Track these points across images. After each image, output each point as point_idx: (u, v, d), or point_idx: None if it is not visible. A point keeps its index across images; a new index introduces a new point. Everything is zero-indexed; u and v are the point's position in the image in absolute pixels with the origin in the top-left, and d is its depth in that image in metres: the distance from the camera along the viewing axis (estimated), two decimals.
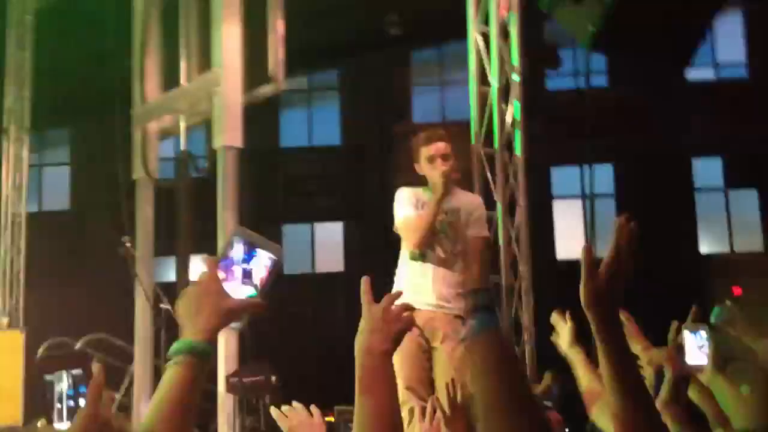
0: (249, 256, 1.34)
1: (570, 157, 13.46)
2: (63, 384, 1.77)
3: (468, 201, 4.20)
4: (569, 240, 13.93)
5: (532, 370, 4.65)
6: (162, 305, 5.91)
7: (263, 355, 5.33)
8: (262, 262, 1.34)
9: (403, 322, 1.56)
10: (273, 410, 2.00)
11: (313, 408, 1.97)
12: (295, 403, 1.99)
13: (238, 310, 1.31)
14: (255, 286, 1.33)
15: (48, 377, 1.81)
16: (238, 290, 1.32)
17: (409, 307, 1.59)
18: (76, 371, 1.78)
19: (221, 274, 1.31)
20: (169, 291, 6.39)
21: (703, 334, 2.15)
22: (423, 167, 4.06)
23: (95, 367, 1.43)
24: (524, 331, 4.70)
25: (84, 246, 12.93)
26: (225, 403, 5.05)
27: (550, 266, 12.48)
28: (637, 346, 2.17)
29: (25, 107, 8.15)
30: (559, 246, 13.87)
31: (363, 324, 1.55)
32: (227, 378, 4.86)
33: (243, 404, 5.10)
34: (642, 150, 13.01)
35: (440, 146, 4.01)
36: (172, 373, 1.24)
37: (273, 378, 5.03)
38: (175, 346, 1.27)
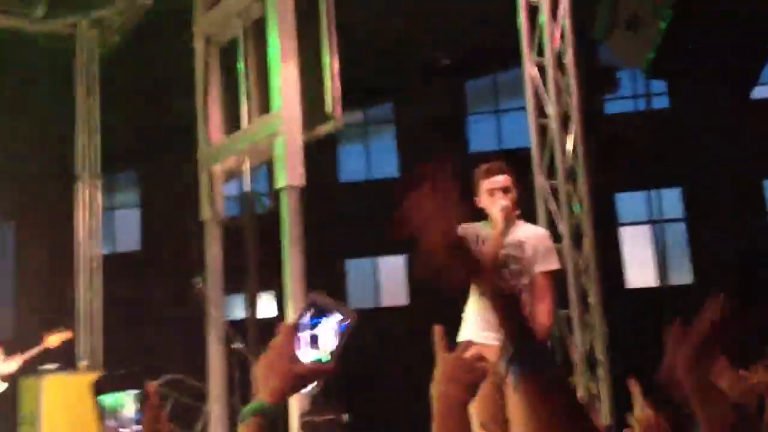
0: (316, 321, 1.38)
1: (635, 182, 13.21)
2: (127, 407, 1.84)
3: (533, 234, 4.12)
4: (639, 267, 13.61)
5: (610, 406, 4.54)
6: (234, 344, 5.99)
7: (331, 392, 5.35)
8: (330, 326, 1.38)
9: (477, 373, 1.57)
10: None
11: None
12: None
13: (310, 376, 1.37)
14: (323, 351, 1.37)
15: (104, 401, 1.88)
16: (306, 355, 1.36)
17: (482, 357, 1.60)
18: (134, 391, 1.86)
19: (295, 340, 1.36)
20: (239, 329, 6.48)
21: None
22: (483, 200, 4.02)
23: (150, 387, 1.49)
24: (599, 366, 4.59)
25: (156, 287, 13.23)
26: None
27: (620, 295, 12.21)
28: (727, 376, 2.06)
29: (96, 153, 8.44)
30: (628, 274, 13.56)
31: (437, 373, 1.57)
32: (300, 417, 4.89)
33: None
34: (710, 172, 12.68)
35: (500, 179, 3.97)
36: (241, 430, 1.32)
37: (344, 416, 5.05)
38: (247, 407, 1.34)
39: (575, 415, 1.16)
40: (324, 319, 1.37)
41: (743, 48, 4.09)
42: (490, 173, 3.99)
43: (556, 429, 1.13)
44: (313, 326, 1.37)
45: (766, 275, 13.13)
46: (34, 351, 6.80)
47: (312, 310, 1.38)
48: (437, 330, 1.61)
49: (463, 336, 3.96)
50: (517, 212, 4.00)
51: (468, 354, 1.57)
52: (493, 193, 3.96)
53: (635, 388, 2.30)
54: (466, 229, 4.04)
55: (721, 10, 4.00)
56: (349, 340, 1.37)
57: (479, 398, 3.83)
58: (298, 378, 1.35)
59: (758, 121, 12.57)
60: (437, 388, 1.54)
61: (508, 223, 3.92)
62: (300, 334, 1.37)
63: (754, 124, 12.57)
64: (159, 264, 13.45)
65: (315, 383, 1.39)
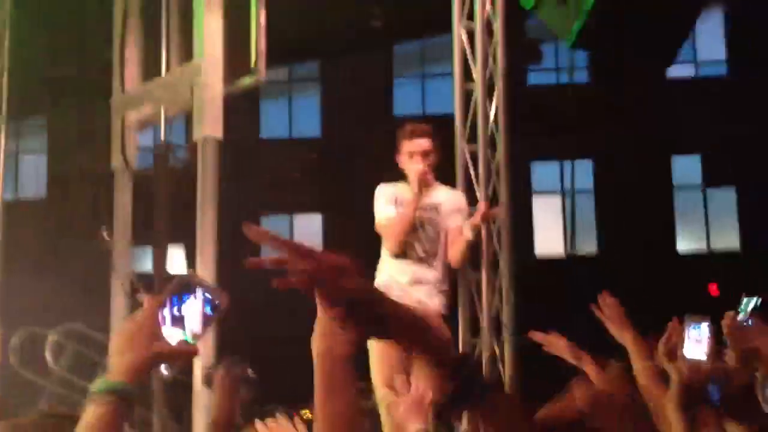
0: (181, 300, 1.30)
1: (551, 152, 13.50)
2: None
3: (449, 196, 4.18)
4: (548, 236, 13.98)
5: (511, 366, 4.67)
6: (139, 296, 5.85)
7: (238, 349, 5.31)
8: (196, 307, 1.30)
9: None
10: (257, 425, 1.91)
11: (297, 421, 1.91)
12: (279, 416, 1.93)
13: (168, 355, 1.28)
14: (188, 331, 1.29)
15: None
16: (170, 333, 1.28)
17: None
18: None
19: (161, 315, 1.28)
20: (147, 281, 6.32)
21: (704, 327, 2.07)
22: (403, 161, 4.04)
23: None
24: (504, 328, 4.72)
25: (61, 235, 12.81)
26: (201, 396, 5.03)
27: (528, 263, 12.52)
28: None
29: (2, 94, 8.02)
30: (538, 242, 13.92)
31: (317, 326, 1.44)
32: (203, 371, 4.84)
33: None
34: (622, 146, 13.08)
35: (422, 143, 3.98)
36: (89, 412, 1.21)
37: (250, 372, 5.00)
38: (96, 383, 1.24)
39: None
40: (191, 297, 1.30)
41: (663, 27, 4.18)
42: (413, 135, 4.00)
43: None
44: (180, 304, 1.29)
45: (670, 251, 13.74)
46: None
47: (182, 287, 1.30)
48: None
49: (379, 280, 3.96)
50: (430, 176, 4.02)
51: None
52: (413, 155, 3.97)
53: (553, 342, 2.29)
54: (385, 188, 4.05)
55: None
56: (218, 324, 1.32)
57: (385, 360, 3.85)
58: (157, 356, 1.26)
59: (670, 99, 13.00)
60: (318, 344, 1.42)
61: (421, 187, 3.95)
62: (165, 311, 1.28)
63: (666, 101, 13.00)
64: (65, 212, 13.01)
65: (173, 366, 1.33)
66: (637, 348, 2.12)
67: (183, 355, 1.31)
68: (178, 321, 1.29)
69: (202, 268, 5.40)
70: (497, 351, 4.67)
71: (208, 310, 1.30)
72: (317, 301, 1.27)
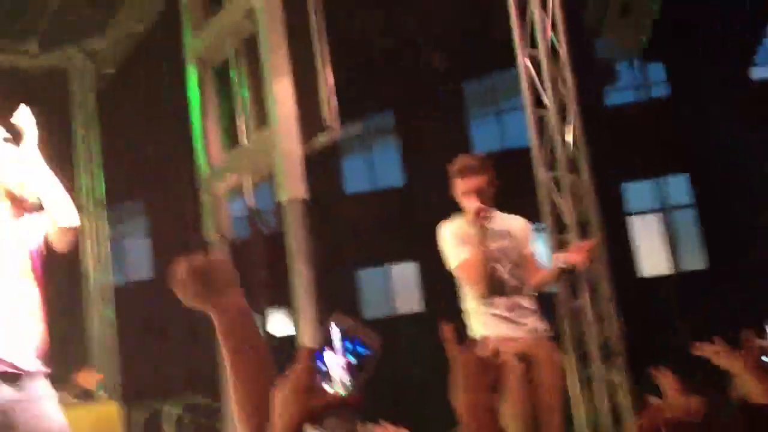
0: (323, 351, 1.21)
1: (641, 171, 13.13)
2: None
3: (515, 222, 4.05)
4: (650, 255, 13.51)
5: (631, 394, 4.48)
6: None
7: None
8: (337, 357, 1.21)
9: (497, 371, 1.42)
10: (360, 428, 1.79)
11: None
12: (385, 424, 1.77)
13: (330, 408, 1.21)
14: (335, 384, 1.21)
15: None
16: (325, 385, 1.21)
17: (497, 353, 1.45)
18: None
19: (313, 368, 1.20)
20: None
21: None
22: (459, 198, 3.94)
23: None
24: (616, 355, 4.54)
25: (170, 312, 13.19)
26: None
27: (633, 285, 12.11)
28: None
29: (98, 182, 8.44)
30: (640, 263, 13.46)
31: (457, 378, 1.39)
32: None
33: None
34: (716, 157, 12.60)
35: (473, 181, 3.85)
36: None
37: (358, 424, 4.99)
38: None
39: None
40: (327, 349, 1.21)
41: (736, 29, 4.06)
42: (463, 174, 3.88)
43: None
44: (322, 357, 1.20)
45: None
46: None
47: (324, 336, 1.21)
48: (446, 329, 1.43)
49: (476, 332, 3.88)
50: (488, 212, 3.84)
51: (483, 352, 1.42)
52: (467, 194, 3.85)
53: (662, 378, 2.15)
54: (449, 227, 3.94)
55: None
56: (372, 372, 1.21)
57: (510, 394, 3.71)
58: (317, 412, 1.20)
59: (756, 101, 12.46)
60: (459, 396, 1.39)
61: (485, 220, 3.81)
62: (319, 362, 1.20)
63: (757, 104, 12.47)
64: (170, 290, 13.41)
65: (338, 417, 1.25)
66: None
67: (343, 407, 1.22)
68: (325, 375, 1.21)
69: (303, 328, 5.46)
70: (616, 379, 4.49)
71: (351, 358, 1.21)
72: None
